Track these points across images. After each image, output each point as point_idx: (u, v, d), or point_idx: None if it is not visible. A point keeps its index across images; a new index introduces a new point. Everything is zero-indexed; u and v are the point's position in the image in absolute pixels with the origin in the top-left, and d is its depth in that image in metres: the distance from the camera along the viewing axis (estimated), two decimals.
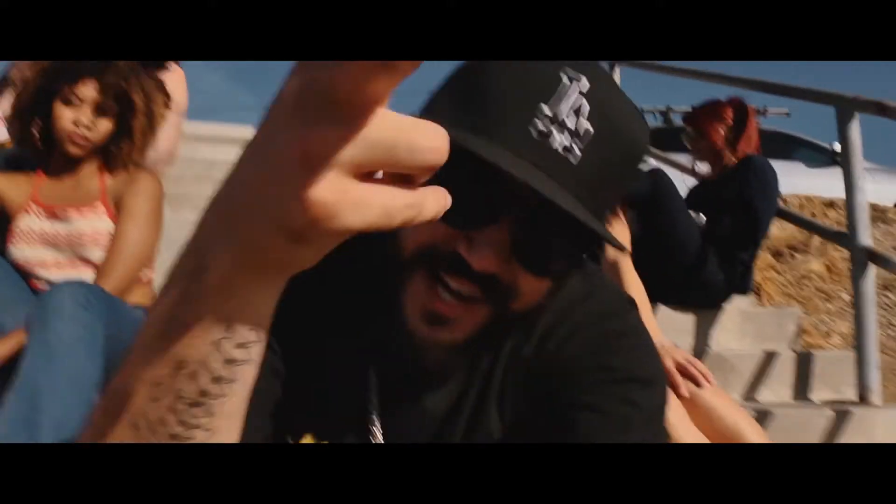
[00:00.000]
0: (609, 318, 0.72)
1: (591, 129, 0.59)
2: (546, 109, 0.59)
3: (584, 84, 0.59)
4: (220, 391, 0.39)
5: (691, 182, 3.04)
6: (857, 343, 2.54)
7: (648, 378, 0.70)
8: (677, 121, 5.86)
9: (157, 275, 1.86)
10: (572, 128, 0.59)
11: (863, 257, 2.55)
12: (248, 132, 4.38)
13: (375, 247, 0.66)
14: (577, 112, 0.59)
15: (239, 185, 0.36)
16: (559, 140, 0.58)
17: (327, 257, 0.76)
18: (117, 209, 1.73)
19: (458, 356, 0.67)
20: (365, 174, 0.34)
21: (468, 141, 0.57)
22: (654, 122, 6.21)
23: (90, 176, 1.76)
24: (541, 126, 0.58)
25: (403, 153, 0.33)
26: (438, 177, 0.62)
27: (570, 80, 0.59)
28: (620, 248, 0.64)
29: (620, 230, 2.13)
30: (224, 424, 0.41)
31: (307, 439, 0.73)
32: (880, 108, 2.52)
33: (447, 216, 0.60)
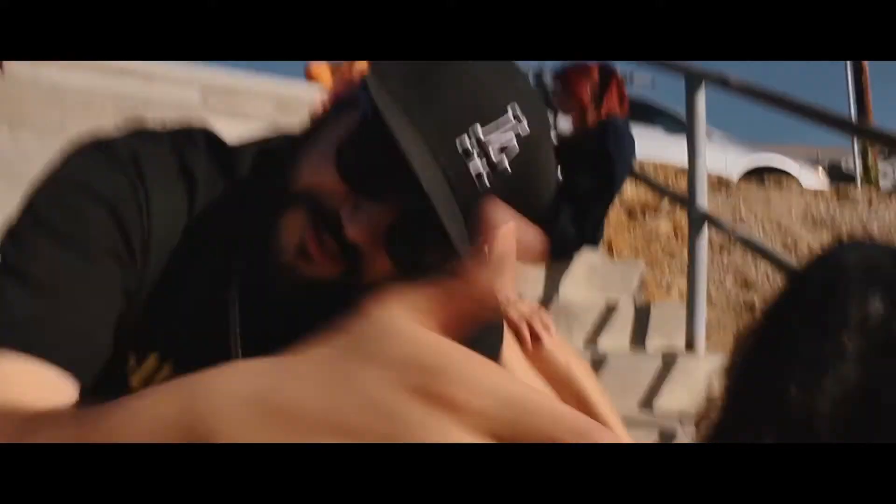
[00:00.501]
0: None
1: (509, 171, 0.60)
2: (479, 131, 0.59)
3: (524, 128, 0.60)
4: None
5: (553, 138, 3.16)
6: (688, 298, 2.77)
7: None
8: (549, 82, 6.01)
9: None
10: (493, 160, 0.59)
11: (699, 219, 2.77)
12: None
13: (268, 173, 0.68)
14: (504, 150, 0.59)
15: None
16: (476, 165, 0.59)
17: (193, 182, 0.72)
18: None
19: (312, 291, 0.67)
20: None
21: (397, 118, 0.58)
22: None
23: None
24: (467, 144, 0.59)
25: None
26: (357, 133, 0.62)
27: (514, 117, 0.60)
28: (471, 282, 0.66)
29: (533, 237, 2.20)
30: None
31: (153, 357, 0.72)
32: (723, 82, 2.72)
33: (347, 171, 0.61)
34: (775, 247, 3.95)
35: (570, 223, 2.71)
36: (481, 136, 0.59)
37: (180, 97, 3.61)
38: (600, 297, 2.90)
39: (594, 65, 2.92)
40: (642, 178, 3.44)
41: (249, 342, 0.73)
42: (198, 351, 0.72)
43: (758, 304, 3.79)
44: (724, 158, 6.44)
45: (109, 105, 2.88)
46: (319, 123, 0.68)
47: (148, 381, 0.72)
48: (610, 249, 3.73)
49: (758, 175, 6.64)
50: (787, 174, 6.93)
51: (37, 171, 0.68)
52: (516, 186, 0.61)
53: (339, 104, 0.68)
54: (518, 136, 0.60)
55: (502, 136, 0.60)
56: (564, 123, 3.03)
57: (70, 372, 0.60)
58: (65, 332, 0.61)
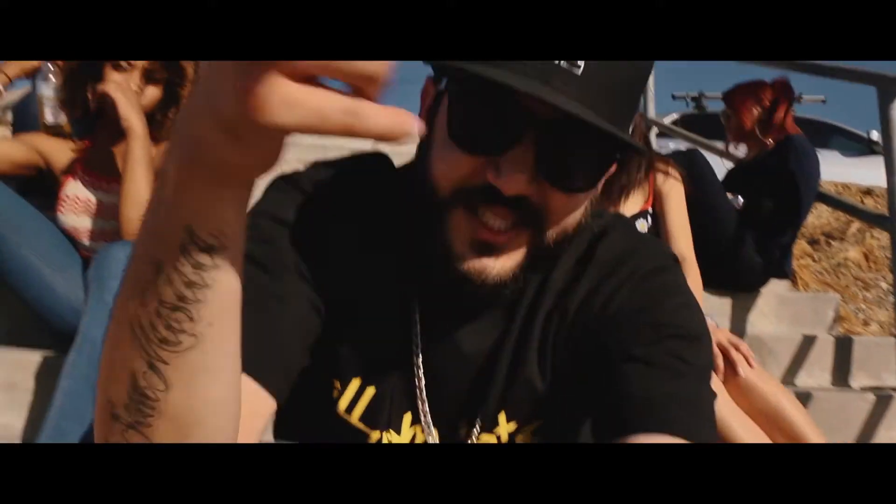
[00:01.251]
0: (655, 274, 0.72)
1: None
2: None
3: None
4: (195, 296, 0.43)
5: (730, 166, 2.99)
6: None
7: (695, 335, 0.70)
8: (711, 107, 5.77)
9: None
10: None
11: None
12: None
13: (412, 192, 0.69)
14: None
15: (195, 86, 0.40)
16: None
17: (365, 205, 0.76)
18: None
19: (502, 292, 0.67)
20: (306, 79, 0.35)
21: (474, 67, 0.59)
22: (686, 108, 6.11)
23: None
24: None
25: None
26: (455, 108, 0.63)
27: None
28: (639, 150, 0.64)
29: (675, 187, 2.11)
30: (208, 332, 0.45)
31: (355, 382, 0.74)
32: None
33: (471, 146, 0.62)
34: None
35: (754, 253, 2.52)
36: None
37: (353, 144, 3.80)
38: (793, 330, 2.66)
39: (767, 82, 2.74)
40: (830, 200, 3.16)
41: (433, 359, 0.74)
42: (392, 372, 0.74)
43: None
44: None
45: (290, 153, 3.08)
46: (425, 133, 0.69)
47: (353, 406, 0.74)
48: (794, 280, 3.45)
49: None
50: None
51: None
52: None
53: (428, 110, 0.69)
54: None
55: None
56: (738, 149, 2.86)
57: (266, 385, 0.64)
58: (262, 348, 0.64)
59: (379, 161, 0.80)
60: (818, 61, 2.93)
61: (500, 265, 0.65)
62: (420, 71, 0.75)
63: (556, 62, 0.58)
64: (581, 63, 0.59)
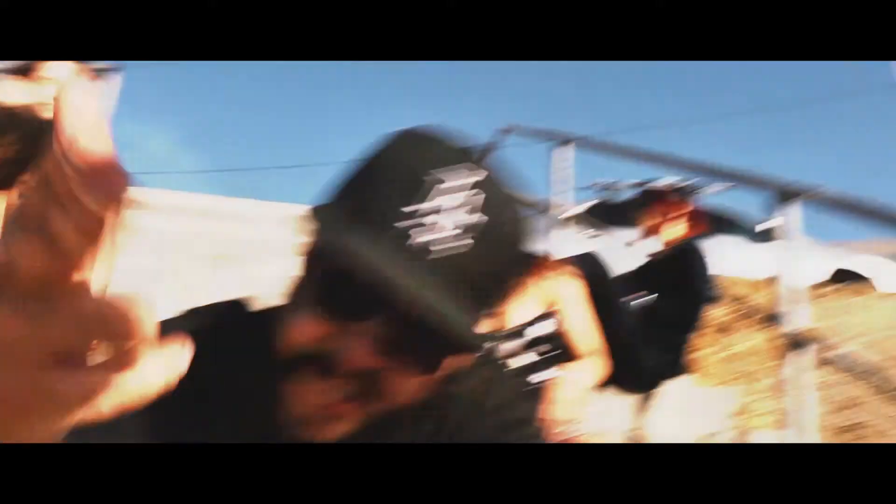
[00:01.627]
0: (504, 410, 0.73)
1: (473, 221, 0.59)
2: (411, 207, 0.59)
3: (463, 180, 0.60)
4: None
5: (632, 261, 3.10)
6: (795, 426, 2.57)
7: None
8: (620, 197, 6.01)
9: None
10: (444, 220, 0.59)
11: (797, 341, 2.61)
12: (193, 199, 4.29)
13: (259, 351, 0.67)
14: (451, 209, 0.59)
15: None
16: (425, 237, 0.58)
17: (206, 366, 0.72)
18: None
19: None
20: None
21: (335, 236, 0.58)
22: (597, 195, 6.34)
23: None
24: (406, 222, 0.58)
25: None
26: (314, 271, 0.61)
27: (438, 180, 0.59)
28: (473, 347, 0.62)
29: (573, 284, 2.15)
30: None
31: None
32: (820, 197, 2.62)
33: (324, 311, 0.61)
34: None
35: (654, 353, 2.59)
36: (413, 209, 0.59)
37: (266, 235, 3.72)
38: (696, 428, 2.73)
39: (675, 184, 2.90)
40: (722, 297, 3.31)
41: None
42: None
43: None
44: (810, 263, 6.21)
45: (205, 245, 2.98)
46: (294, 286, 0.67)
47: None
48: (694, 372, 3.57)
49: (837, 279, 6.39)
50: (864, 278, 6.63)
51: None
52: (487, 229, 0.59)
53: (305, 264, 0.67)
54: (460, 187, 0.59)
55: (439, 197, 0.59)
56: (643, 242, 2.99)
57: None
58: None
59: (233, 310, 0.76)
60: (718, 166, 3.12)
61: (341, 430, 0.63)
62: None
63: (418, 243, 0.58)
64: (441, 248, 0.58)
